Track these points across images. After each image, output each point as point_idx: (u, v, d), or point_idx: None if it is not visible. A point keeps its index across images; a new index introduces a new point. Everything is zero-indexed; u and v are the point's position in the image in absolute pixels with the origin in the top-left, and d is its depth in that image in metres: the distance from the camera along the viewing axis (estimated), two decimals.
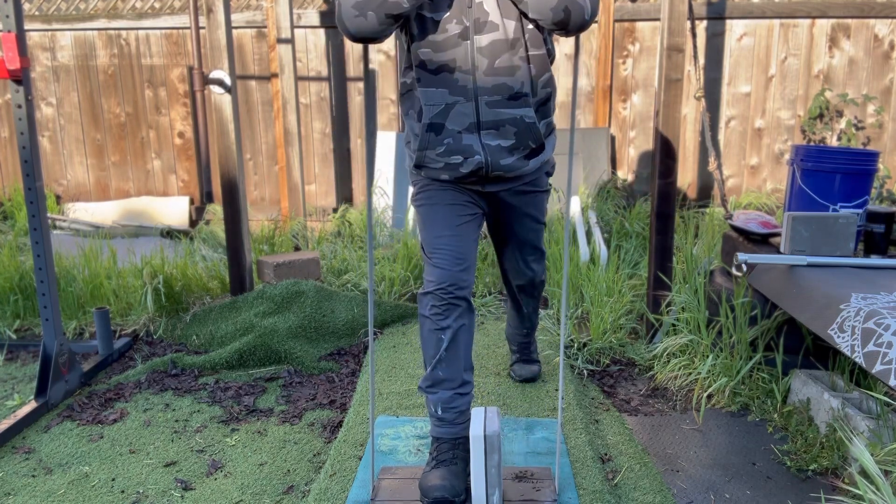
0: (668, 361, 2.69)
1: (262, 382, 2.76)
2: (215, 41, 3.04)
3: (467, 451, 1.89)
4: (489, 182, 2.03)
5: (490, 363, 2.76)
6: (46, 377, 2.50)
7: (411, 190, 2.11)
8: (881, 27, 4.77)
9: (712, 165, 4.44)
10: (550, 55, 2.00)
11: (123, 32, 5.26)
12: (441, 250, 1.96)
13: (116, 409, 2.53)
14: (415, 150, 1.99)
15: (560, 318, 3.17)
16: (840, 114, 4.90)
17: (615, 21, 4.90)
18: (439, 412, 1.90)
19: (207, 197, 5.36)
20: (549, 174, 2.21)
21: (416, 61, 1.93)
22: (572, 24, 1.77)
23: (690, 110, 5.02)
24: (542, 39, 1.94)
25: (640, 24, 4.92)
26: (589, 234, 4.05)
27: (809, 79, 4.88)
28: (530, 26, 1.91)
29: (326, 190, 5.36)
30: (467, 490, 1.81)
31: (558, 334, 2.99)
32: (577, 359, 2.81)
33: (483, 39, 1.87)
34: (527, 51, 1.91)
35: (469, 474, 1.83)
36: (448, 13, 1.86)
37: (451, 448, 1.87)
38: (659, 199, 2.84)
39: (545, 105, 2.02)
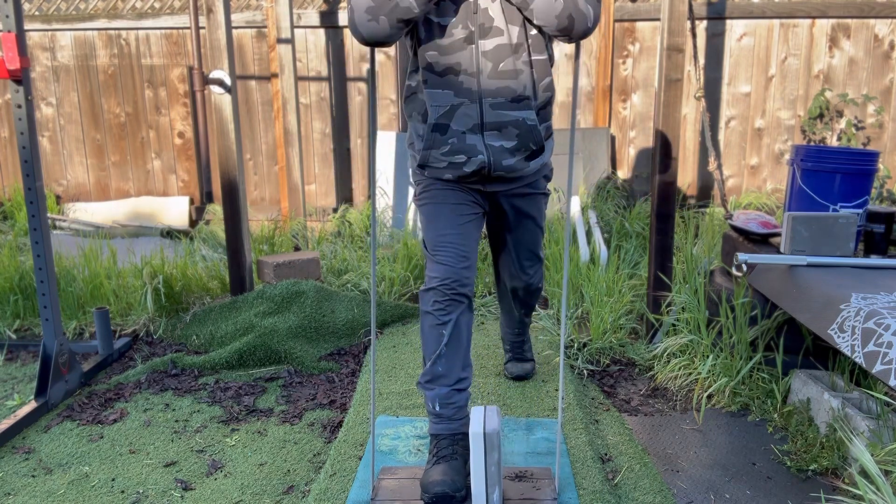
0: (669, 361, 2.69)
1: (262, 382, 2.76)
2: (215, 41, 3.05)
3: (466, 447, 1.89)
4: (491, 182, 2.07)
5: (490, 363, 2.76)
6: (46, 377, 2.50)
7: (411, 192, 2.13)
8: (881, 27, 4.77)
9: (712, 165, 4.44)
10: (551, 60, 2.05)
11: (123, 32, 5.26)
12: (444, 247, 1.98)
13: (116, 409, 2.53)
14: (419, 150, 2.04)
15: (560, 318, 3.17)
16: (840, 114, 4.90)
17: (615, 21, 4.90)
18: (437, 408, 1.92)
19: (207, 197, 5.36)
20: (548, 178, 2.25)
21: (422, 64, 1.98)
22: (576, 32, 1.81)
23: (690, 110, 5.02)
24: (544, 45, 2.00)
25: (640, 24, 4.92)
26: (589, 234, 4.05)
27: (809, 79, 4.89)
28: (533, 32, 1.96)
29: (326, 190, 5.36)
30: (467, 488, 1.81)
31: (558, 334, 2.99)
32: (577, 359, 2.81)
33: (487, 44, 1.92)
34: (529, 56, 1.96)
35: (469, 471, 1.83)
36: (454, 18, 1.92)
37: (450, 444, 1.88)
38: (659, 199, 2.83)
39: (545, 108, 2.07)
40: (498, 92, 1.93)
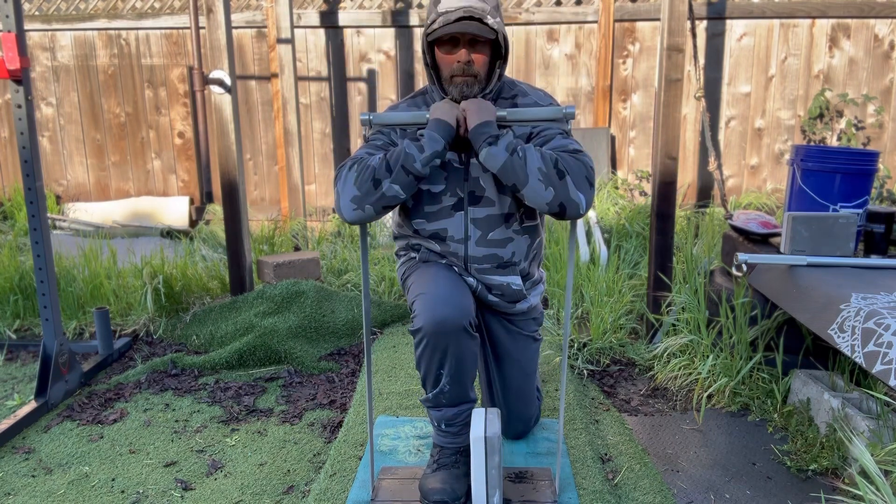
0: (669, 361, 2.69)
1: (262, 382, 2.76)
2: (215, 41, 3.04)
3: (468, 456, 1.88)
4: (482, 306, 2.01)
5: None
6: (46, 377, 2.50)
7: (400, 269, 2.06)
8: (881, 27, 4.77)
9: (712, 165, 4.44)
10: (542, 217, 2.01)
11: (123, 32, 5.26)
12: (433, 287, 1.79)
13: (116, 409, 2.53)
14: (416, 258, 1.99)
15: (560, 318, 3.17)
16: (840, 114, 4.90)
17: (615, 21, 4.90)
18: (443, 426, 1.86)
19: (207, 197, 5.36)
20: (538, 322, 2.13)
21: (407, 228, 1.96)
22: (568, 216, 1.72)
23: (690, 110, 5.02)
24: (536, 212, 1.96)
25: (640, 24, 4.92)
26: (589, 234, 4.05)
27: (809, 79, 4.89)
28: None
29: (326, 190, 5.36)
30: (468, 493, 1.81)
31: (558, 334, 2.99)
32: (577, 359, 2.81)
33: (479, 211, 1.88)
34: (521, 223, 1.92)
35: (470, 477, 1.82)
36: (443, 186, 1.87)
37: (453, 454, 1.86)
38: (659, 199, 2.83)
39: (533, 265, 2.02)
40: (485, 259, 1.89)
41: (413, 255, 1.99)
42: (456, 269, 1.92)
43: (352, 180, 1.73)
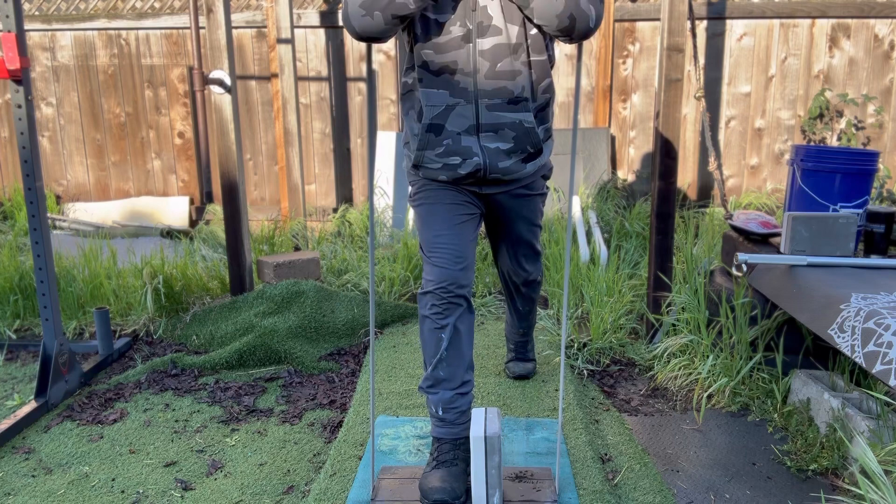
0: (669, 361, 2.69)
1: (262, 382, 2.76)
2: (215, 41, 3.04)
3: (468, 451, 1.89)
4: (487, 184, 2.04)
5: (490, 363, 2.76)
6: (46, 377, 2.50)
7: (410, 189, 2.11)
8: (881, 27, 4.77)
9: (712, 165, 4.44)
10: (551, 60, 2.01)
11: (123, 32, 5.26)
12: (440, 249, 1.96)
13: (116, 409, 2.53)
14: (414, 149, 2.00)
15: (560, 318, 3.17)
16: (840, 114, 4.90)
17: (615, 21, 4.90)
18: (440, 412, 1.90)
19: (207, 197, 5.36)
20: (547, 177, 2.22)
21: (418, 61, 1.94)
22: (577, 32, 1.76)
23: (690, 110, 5.02)
24: (544, 45, 1.95)
25: (640, 24, 4.92)
26: (589, 234, 4.05)
27: (809, 79, 4.89)
28: (533, 31, 1.91)
29: (326, 190, 5.36)
30: (467, 491, 1.81)
31: (558, 334, 2.99)
32: (577, 359, 2.81)
33: (485, 43, 1.88)
34: (528, 56, 1.92)
35: (469, 475, 1.83)
36: (452, 15, 1.87)
37: (451, 448, 1.87)
38: (659, 199, 2.83)
39: (544, 110, 2.03)
40: (495, 93, 1.89)
41: (410, 154, 2.03)
42: (462, 193, 2.00)
43: None
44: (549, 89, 2.01)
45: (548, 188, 2.25)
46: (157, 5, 5.18)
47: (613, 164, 5.11)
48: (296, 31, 5.08)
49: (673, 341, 2.70)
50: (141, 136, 5.42)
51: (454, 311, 1.92)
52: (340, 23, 5.09)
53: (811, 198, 2.56)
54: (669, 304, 2.87)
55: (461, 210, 2.03)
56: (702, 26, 4.85)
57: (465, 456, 1.88)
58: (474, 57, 1.88)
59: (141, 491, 2.02)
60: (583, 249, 3.74)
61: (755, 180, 5.06)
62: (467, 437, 1.90)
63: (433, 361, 1.93)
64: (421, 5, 1.77)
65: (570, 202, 1.81)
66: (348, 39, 5.14)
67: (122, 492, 2.02)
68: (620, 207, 4.56)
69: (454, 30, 1.88)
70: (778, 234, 2.71)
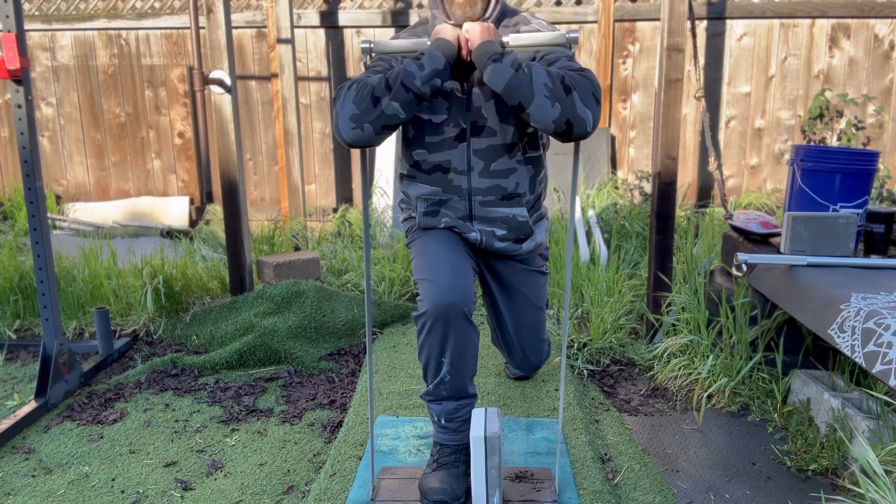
0: (669, 361, 2.69)
1: (262, 382, 2.76)
2: (215, 41, 3.04)
3: (469, 455, 1.88)
4: (484, 253, 2.04)
5: (490, 363, 2.76)
6: (46, 377, 2.50)
7: (406, 232, 2.08)
8: (881, 27, 4.77)
9: (712, 165, 4.44)
10: (545, 147, 2.00)
11: (123, 32, 5.26)
12: (436, 272, 1.82)
13: (116, 409, 2.53)
14: (416, 218, 1.99)
15: (560, 318, 3.17)
16: (840, 114, 4.90)
17: (615, 21, 4.90)
18: (442, 421, 1.86)
19: (207, 197, 5.36)
20: (544, 257, 2.16)
21: (409, 161, 1.94)
22: (574, 136, 1.69)
23: (690, 110, 5.02)
24: (539, 142, 1.95)
25: (640, 24, 4.92)
26: (589, 234, 4.05)
27: (809, 79, 4.88)
28: (530, 130, 1.90)
29: (326, 190, 5.36)
30: (467, 492, 1.81)
31: (558, 334, 2.99)
32: (577, 359, 2.81)
33: (480, 142, 1.86)
34: (524, 153, 1.91)
35: (469, 477, 1.82)
36: (446, 116, 1.86)
37: (453, 452, 1.86)
38: (659, 199, 2.83)
39: (538, 199, 2.02)
40: (488, 190, 1.88)
41: (414, 215, 1.99)
42: (456, 229, 1.92)
43: (351, 98, 1.71)
44: (543, 179, 2.01)
45: (547, 269, 2.18)
46: (157, 5, 5.18)
47: (613, 164, 5.11)
48: (296, 31, 5.07)
49: (673, 341, 2.70)
50: (141, 136, 5.42)
51: (452, 330, 1.76)
52: (340, 23, 5.09)
53: (811, 198, 2.56)
54: (669, 304, 2.87)
55: (459, 246, 1.93)
56: (702, 26, 4.85)
57: (466, 459, 1.87)
58: (468, 156, 1.87)
59: (141, 491, 2.02)
60: (583, 249, 3.74)
61: (755, 180, 5.06)
62: (468, 443, 1.88)
63: (434, 381, 1.83)
64: (412, 113, 1.73)
65: (572, 205, 1.81)
66: (348, 40, 5.14)
67: (122, 492, 2.02)
68: (620, 207, 4.56)
69: (448, 130, 1.86)
70: (778, 234, 2.70)
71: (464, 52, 1.76)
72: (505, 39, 1.74)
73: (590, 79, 1.69)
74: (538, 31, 1.87)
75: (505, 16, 1.92)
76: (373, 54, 1.79)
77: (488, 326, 2.36)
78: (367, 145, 1.75)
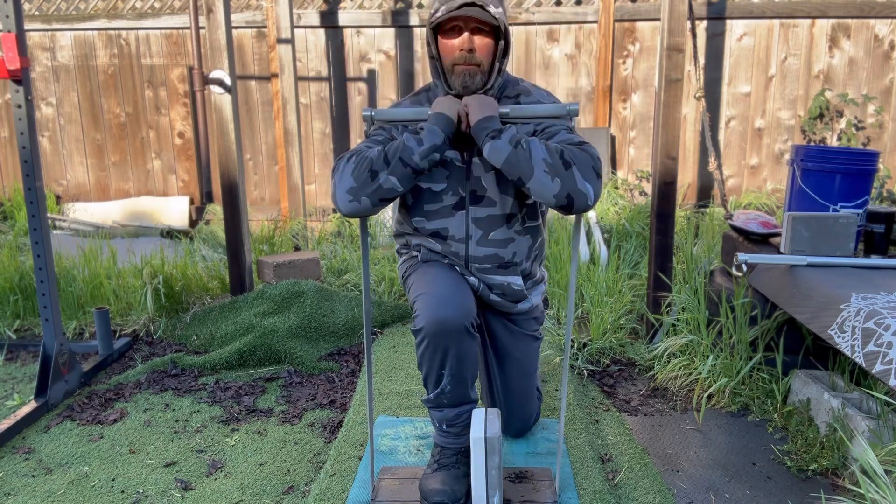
0: (669, 361, 2.69)
1: (262, 382, 2.76)
2: (215, 41, 3.04)
3: (469, 457, 1.88)
4: (481, 304, 2.01)
5: None
6: (46, 377, 2.50)
7: (400, 265, 2.06)
8: (881, 27, 4.77)
9: (712, 165, 4.44)
10: (544, 216, 2.00)
11: (123, 32, 5.26)
12: (434, 287, 1.78)
13: (116, 409, 2.53)
14: (418, 256, 1.98)
15: (560, 318, 3.17)
16: (840, 114, 4.90)
17: (615, 21, 4.90)
18: (444, 427, 1.85)
19: (207, 197, 5.36)
20: (539, 321, 2.12)
21: (409, 227, 1.94)
22: (576, 209, 1.67)
23: (690, 110, 5.02)
24: (538, 211, 1.94)
25: (640, 24, 4.92)
26: (589, 234, 4.05)
27: (809, 79, 4.89)
28: (529, 201, 1.89)
29: (326, 190, 5.36)
30: (468, 493, 1.81)
31: (559, 334, 2.99)
32: (577, 359, 2.81)
33: (479, 211, 1.86)
34: (523, 224, 1.91)
35: (470, 478, 1.82)
36: (444, 185, 1.86)
37: (454, 454, 1.86)
38: (659, 199, 2.83)
39: (533, 266, 2.01)
40: (486, 259, 1.88)
41: (414, 253, 1.99)
42: (458, 268, 1.92)
43: (349, 171, 1.71)
44: (541, 246, 2.01)
45: (542, 335, 2.13)
46: (157, 5, 5.18)
47: (613, 164, 5.11)
48: (296, 31, 5.08)
49: (673, 341, 2.70)
50: (141, 136, 5.42)
51: (452, 345, 1.72)
52: (340, 23, 5.09)
53: (811, 198, 2.56)
54: (669, 304, 2.87)
55: (458, 274, 1.91)
56: (702, 26, 4.85)
57: (467, 461, 1.86)
58: (467, 224, 1.87)
59: (141, 491, 2.02)
60: (583, 249, 3.74)
61: (755, 180, 5.06)
62: (469, 446, 1.87)
63: (435, 392, 1.81)
64: (410, 186, 1.72)
65: (577, 219, 1.81)
66: (348, 40, 5.14)
67: (122, 492, 2.02)
68: (620, 207, 4.56)
69: (446, 198, 1.86)
70: (778, 234, 2.70)
71: (463, 126, 1.76)
72: (504, 110, 1.74)
73: (589, 153, 1.68)
74: (539, 101, 1.87)
75: (507, 86, 1.91)
76: (374, 122, 1.79)
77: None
78: (366, 216, 1.76)
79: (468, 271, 1.92)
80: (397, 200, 1.96)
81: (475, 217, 1.87)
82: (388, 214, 4.63)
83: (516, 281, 1.94)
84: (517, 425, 2.13)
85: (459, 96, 1.81)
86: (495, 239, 1.88)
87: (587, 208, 1.68)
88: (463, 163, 1.86)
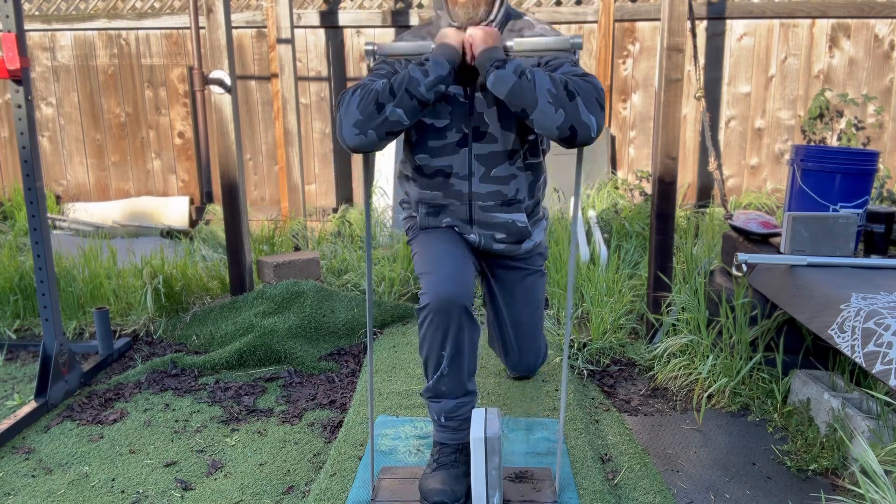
0: (669, 361, 2.69)
1: (262, 382, 2.76)
2: (215, 41, 3.04)
3: (469, 455, 1.88)
4: (483, 254, 2.06)
5: (490, 363, 2.76)
6: (46, 377, 2.50)
7: (406, 231, 2.10)
8: (881, 27, 4.77)
9: (712, 165, 4.44)
10: (545, 152, 2.01)
11: (123, 32, 5.26)
12: (437, 266, 1.85)
13: (116, 409, 2.53)
14: (417, 218, 2.01)
15: (560, 318, 3.17)
16: (840, 114, 4.90)
17: (615, 21, 4.90)
18: (442, 420, 1.87)
19: (207, 197, 5.36)
20: (543, 256, 2.18)
21: (412, 164, 1.95)
22: (578, 141, 1.68)
23: (690, 110, 5.02)
24: (540, 148, 1.96)
25: (640, 24, 4.92)
26: (589, 233, 4.05)
27: (809, 79, 4.88)
28: (531, 137, 1.90)
29: (326, 190, 5.36)
30: (468, 493, 1.81)
31: (558, 334, 2.99)
32: (577, 359, 2.81)
33: (482, 148, 1.87)
34: (525, 160, 1.91)
35: (470, 477, 1.82)
36: (448, 121, 1.86)
37: (453, 452, 1.86)
38: (659, 199, 2.83)
39: (537, 204, 2.04)
40: (489, 196, 1.90)
41: (414, 214, 2.01)
42: (456, 228, 1.93)
43: (355, 104, 1.71)
44: (542, 184, 2.03)
45: (545, 270, 2.19)
46: (157, 5, 5.18)
47: (613, 164, 5.11)
48: (296, 31, 5.08)
49: (673, 341, 2.70)
50: (141, 136, 5.42)
51: (453, 324, 1.78)
52: (340, 23, 5.09)
53: (811, 198, 2.56)
54: (669, 304, 2.87)
55: (460, 242, 1.97)
56: (702, 26, 4.85)
57: (466, 459, 1.87)
58: (470, 161, 1.88)
59: (141, 491, 2.02)
60: (583, 249, 3.74)
61: (755, 180, 5.06)
62: (469, 442, 1.88)
63: (434, 377, 1.84)
64: (416, 119, 1.73)
65: (576, 205, 1.81)
66: (348, 39, 5.14)
67: (122, 492, 2.02)
68: (620, 207, 4.55)
69: (450, 135, 1.87)
70: (778, 234, 2.70)
71: (468, 57, 1.76)
72: (509, 44, 1.73)
73: (594, 84, 1.68)
74: (542, 35, 1.86)
75: (509, 19, 1.92)
76: (376, 56, 1.78)
77: (487, 328, 2.37)
78: (371, 150, 1.75)
79: (469, 226, 1.92)
80: (402, 145, 1.97)
81: (478, 154, 1.87)
82: (389, 214, 4.63)
83: (520, 218, 1.95)
84: (528, 360, 2.20)
85: (462, 29, 1.81)
86: (497, 176, 1.89)
87: (589, 141, 1.68)
88: (466, 98, 1.86)
